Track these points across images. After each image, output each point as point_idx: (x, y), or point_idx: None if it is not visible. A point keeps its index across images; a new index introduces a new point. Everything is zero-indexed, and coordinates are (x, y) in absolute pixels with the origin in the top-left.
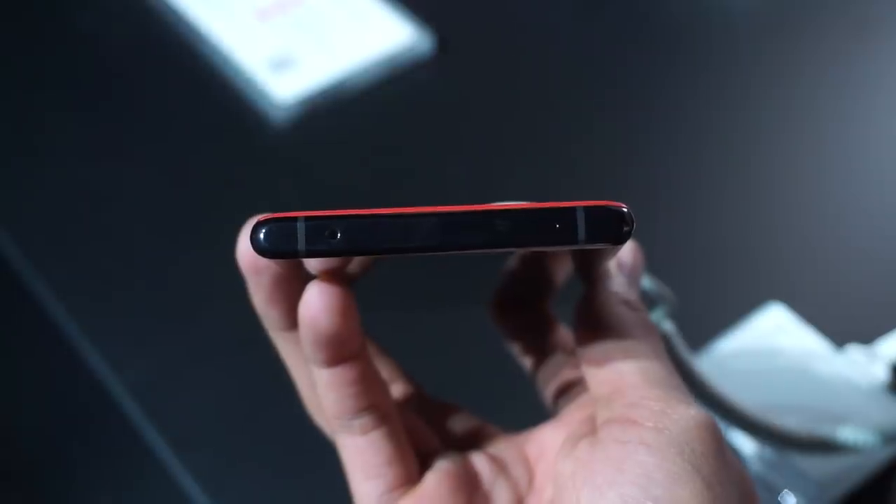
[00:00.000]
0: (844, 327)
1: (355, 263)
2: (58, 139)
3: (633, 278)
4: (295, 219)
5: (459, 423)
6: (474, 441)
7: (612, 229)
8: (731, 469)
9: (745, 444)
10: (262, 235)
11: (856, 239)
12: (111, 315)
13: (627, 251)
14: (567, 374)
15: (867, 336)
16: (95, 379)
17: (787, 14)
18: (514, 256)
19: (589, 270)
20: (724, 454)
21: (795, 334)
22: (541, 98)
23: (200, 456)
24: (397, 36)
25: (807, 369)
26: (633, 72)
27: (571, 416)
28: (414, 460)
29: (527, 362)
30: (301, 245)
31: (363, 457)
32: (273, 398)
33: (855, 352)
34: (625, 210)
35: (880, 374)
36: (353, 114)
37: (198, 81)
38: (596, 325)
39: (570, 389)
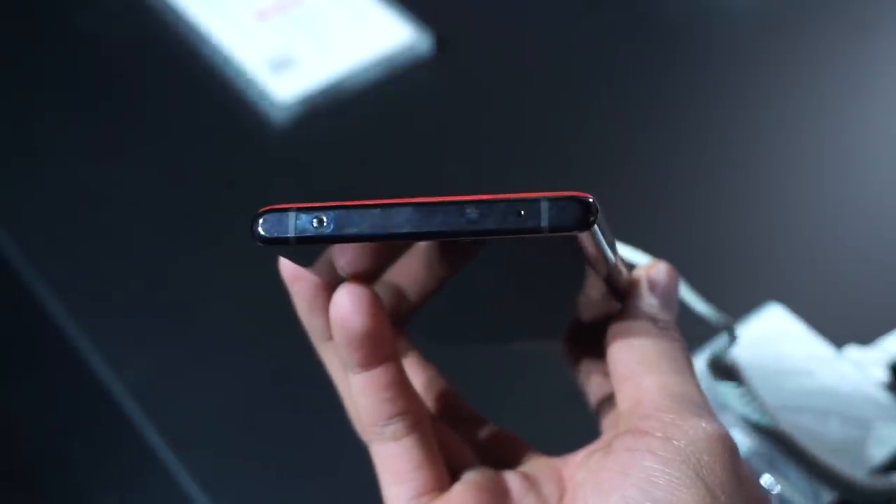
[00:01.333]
0: (843, 327)
1: (410, 292)
2: (58, 139)
3: (666, 298)
4: (287, 209)
5: (499, 442)
6: (511, 459)
7: (572, 217)
8: (743, 484)
9: (742, 441)
10: (258, 226)
11: (854, 239)
12: (111, 315)
13: (662, 272)
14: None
15: (866, 336)
16: (95, 379)
17: (786, 14)
18: (580, 292)
19: (616, 288)
20: (735, 469)
21: (794, 335)
22: (539, 97)
23: (200, 456)
24: (396, 36)
25: (806, 370)
26: (631, 71)
27: (606, 436)
28: (443, 469)
29: (589, 392)
30: (291, 232)
31: (394, 462)
32: (273, 398)
33: (854, 352)
34: (589, 200)
35: (879, 374)
36: (352, 114)
37: (198, 81)
38: (623, 342)
39: (614, 410)
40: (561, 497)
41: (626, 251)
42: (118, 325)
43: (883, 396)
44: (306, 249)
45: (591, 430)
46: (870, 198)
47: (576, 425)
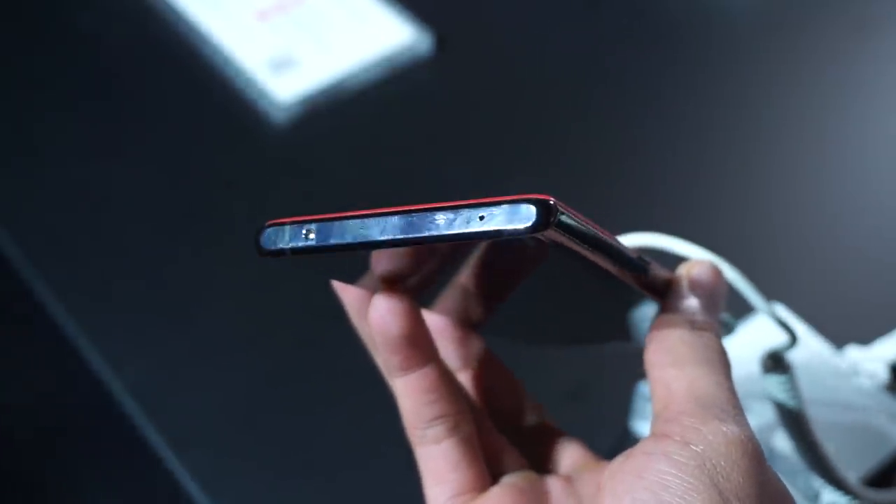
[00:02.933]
0: (844, 327)
1: (478, 296)
2: (57, 139)
3: (708, 298)
4: (283, 224)
5: (554, 445)
6: (562, 463)
7: (529, 219)
8: (764, 489)
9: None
10: (258, 240)
11: (855, 239)
12: (111, 314)
13: (705, 271)
14: None
15: (866, 336)
16: (95, 379)
17: (786, 13)
18: (613, 295)
19: (649, 287)
20: (755, 474)
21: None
22: (539, 97)
23: (200, 456)
24: (396, 36)
25: (806, 370)
26: (631, 70)
27: None
28: (484, 470)
29: None
30: (286, 244)
31: (434, 463)
32: (273, 398)
33: (854, 352)
34: (549, 202)
35: (879, 374)
36: (352, 113)
37: (198, 81)
38: (657, 344)
39: None
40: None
41: (678, 246)
42: (117, 325)
43: (883, 397)
44: (314, 260)
45: (591, 429)
46: (870, 197)
47: (575, 424)
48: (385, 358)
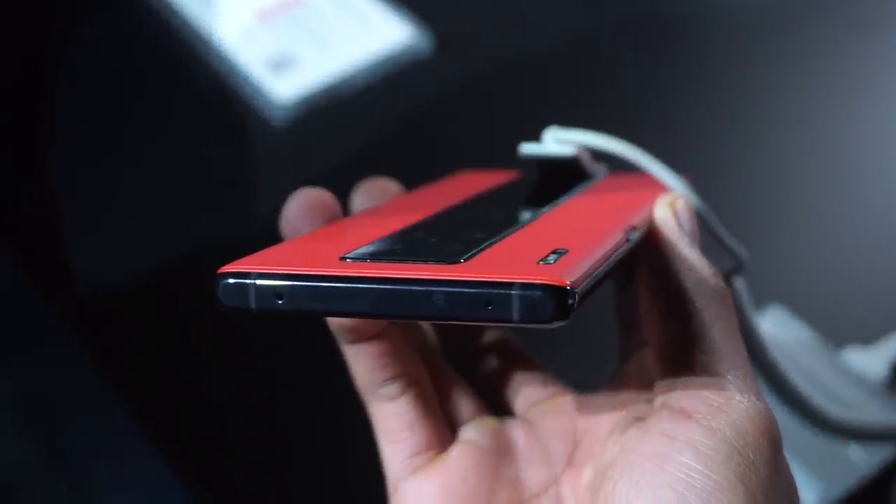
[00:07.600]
0: (844, 327)
1: None
2: (58, 139)
3: (694, 239)
4: (248, 276)
5: (516, 378)
6: (525, 400)
7: (545, 310)
8: (782, 476)
9: None
10: (219, 290)
11: (856, 239)
12: (110, 313)
13: (685, 209)
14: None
15: (867, 336)
16: (94, 375)
17: (789, 12)
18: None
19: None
20: (776, 461)
21: (795, 334)
22: (540, 97)
23: (200, 455)
24: (397, 35)
25: (807, 370)
26: (632, 68)
27: (631, 386)
28: (442, 427)
29: (622, 311)
30: (251, 304)
31: (387, 422)
32: (273, 398)
33: (854, 352)
34: (565, 288)
35: (880, 374)
36: (352, 114)
37: (198, 81)
38: (668, 290)
39: (641, 349)
40: (570, 455)
41: (651, 166)
42: (117, 324)
43: (883, 396)
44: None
45: None
46: (870, 198)
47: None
48: (335, 333)
